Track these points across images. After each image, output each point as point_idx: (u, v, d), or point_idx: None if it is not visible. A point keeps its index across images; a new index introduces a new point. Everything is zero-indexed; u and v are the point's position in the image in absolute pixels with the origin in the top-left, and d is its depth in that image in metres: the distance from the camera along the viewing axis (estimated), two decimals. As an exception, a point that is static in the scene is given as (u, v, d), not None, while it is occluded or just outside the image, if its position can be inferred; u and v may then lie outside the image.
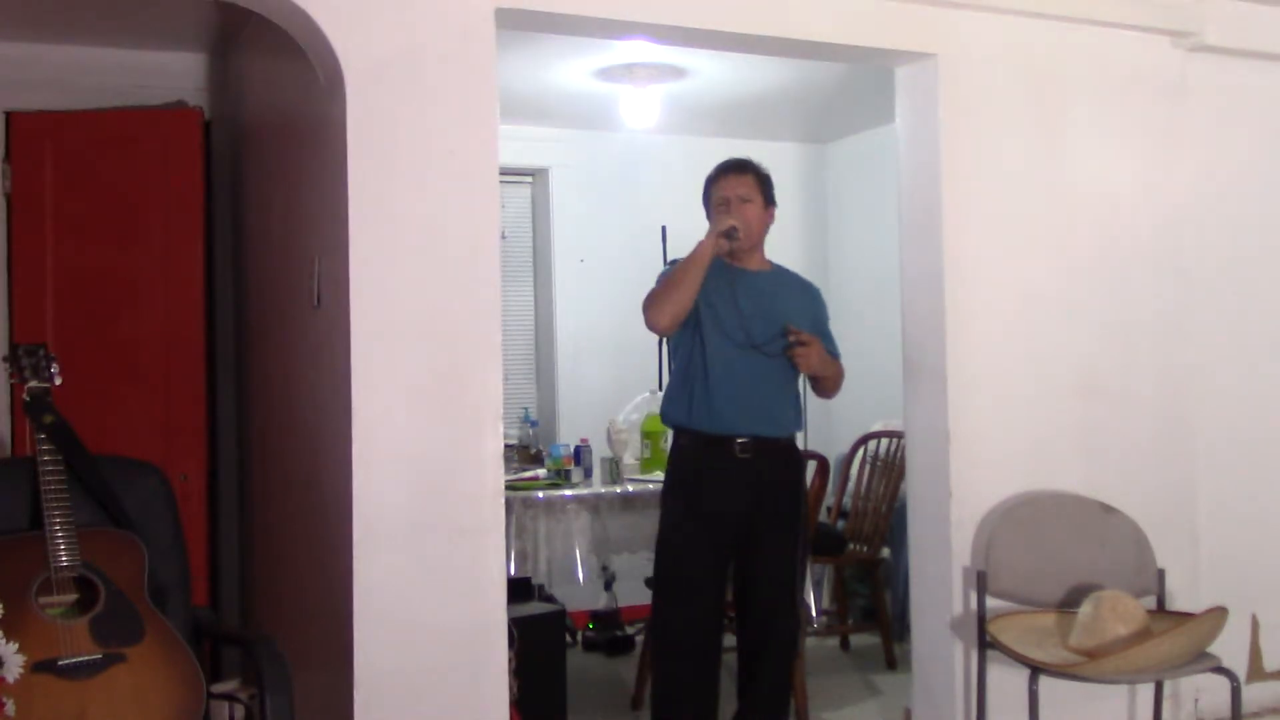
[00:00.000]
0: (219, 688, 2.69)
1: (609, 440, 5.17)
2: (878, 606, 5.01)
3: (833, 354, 3.60)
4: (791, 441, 3.55)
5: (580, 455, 5.28)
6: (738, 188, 3.49)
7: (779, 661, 3.51)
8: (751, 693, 3.52)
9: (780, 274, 3.63)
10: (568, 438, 5.61)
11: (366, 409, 2.94)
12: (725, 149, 6.32)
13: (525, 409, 5.78)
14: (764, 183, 3.53)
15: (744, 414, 3.42)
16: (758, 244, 3.54)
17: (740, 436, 3.41)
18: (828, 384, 3.60)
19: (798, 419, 3.58)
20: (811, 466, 4.35)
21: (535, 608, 4.01)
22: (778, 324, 3.46)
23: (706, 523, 3.43)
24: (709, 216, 3.52)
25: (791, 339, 3.42)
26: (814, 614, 5.25)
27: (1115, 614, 3.17)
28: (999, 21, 3.69)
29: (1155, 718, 3.64)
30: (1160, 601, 3.55)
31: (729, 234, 3.40)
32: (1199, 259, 4.01)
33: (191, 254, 4.25)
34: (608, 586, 5.50)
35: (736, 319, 3.42)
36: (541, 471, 5.15)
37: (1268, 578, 4.09)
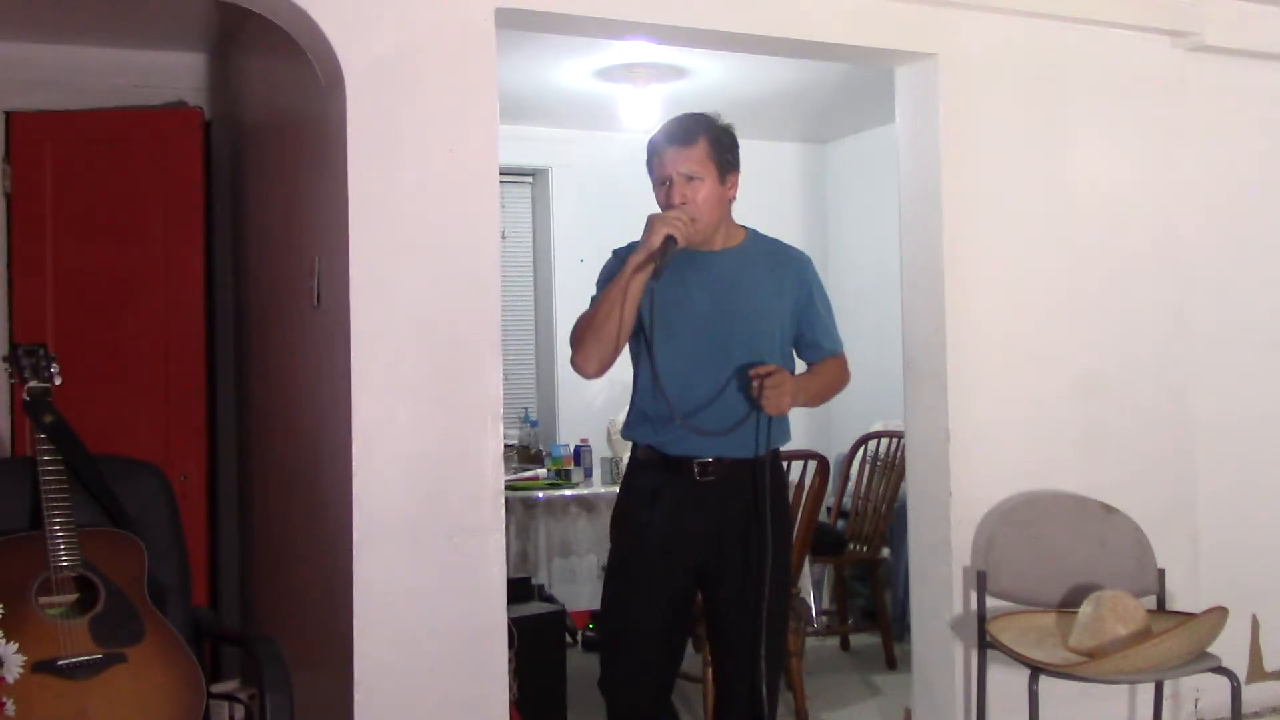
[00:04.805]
0: (219, 688, 2.69)
1: (609, 440, 5.18)
2: (878, 606, 5.01)
3: (829, 350, 2.86)
4: (769, 458, 2.80)
5: (580, 455, 5.30)
6: (681, 163, 2.69)
7: None
8: None
9: (753, 247, 2.85)
10: (568, 438, 5.62)
11: (366, 409, 2.94)
12: (725, 149, 6.42)
13: (525, 409, 5.79)
14: (720, 149, 2.72)
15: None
16: (715, 226, 2.77)
17: (700, 457, 2.74)
18: (818, 401, 2.87)
19: (783, 427, 2.83)
20: (812, 466, 4.34)
21: (535, 608, 4.01)
22: (747, 322, 2.77)
23: (661, 558, 2.78)
24: (654, 186, 2.78)
25: (754, 382, 2.65)
26: (814, 614, 5.24)
27: (1115, 614, 3.17)
28: (999, 21, 3.69)
29: (1155, 718, 3.63)
30: (1160, 601, 3.54)
31: (665, 249, 2.63)
32: (1199, 258, 4.01)
33: (191, 254, 4.25)
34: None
35: (688, 328, 2.71)
36: (541, 471, 5.16)
37: (1268, 578, 4.09)
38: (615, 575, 2.89)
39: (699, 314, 2.74)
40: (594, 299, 2.80)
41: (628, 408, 2.89)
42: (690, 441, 2.73)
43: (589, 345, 2.71)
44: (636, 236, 2.73)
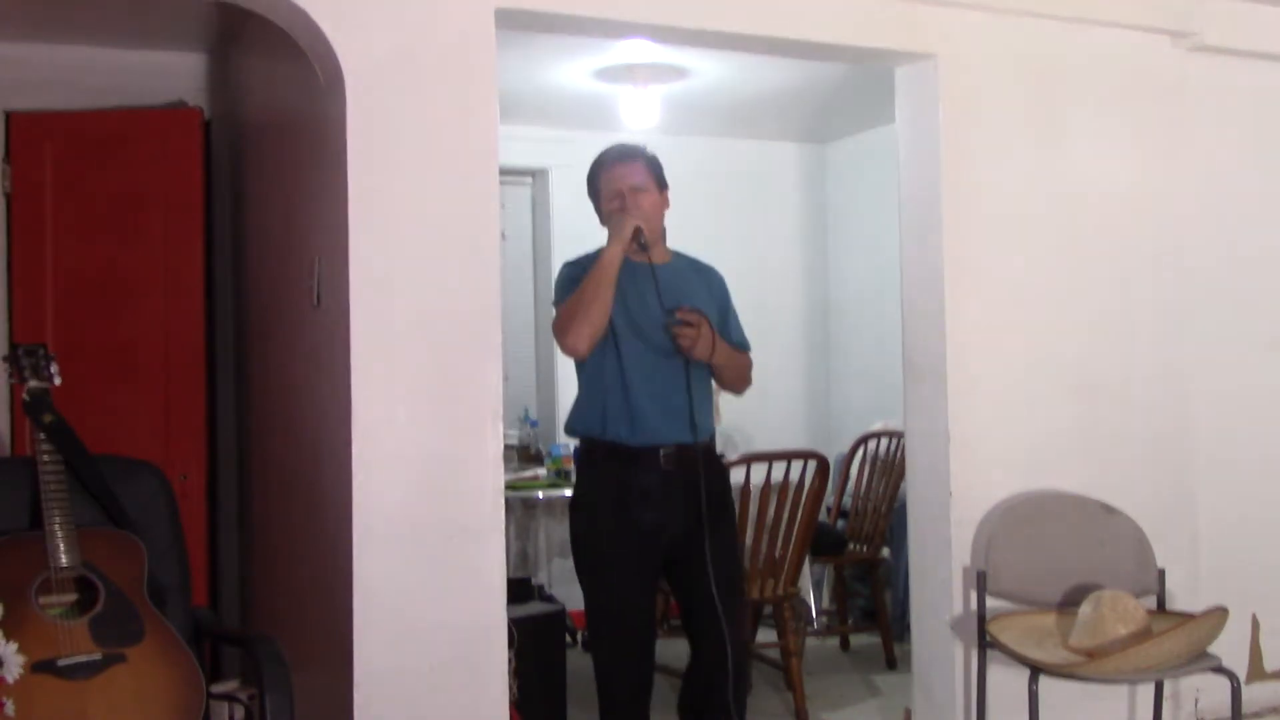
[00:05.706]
0: (219, 688, 2.69)
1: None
2: (878, 606, 5.01)
3: (740, 345, 3.30)
4: (711, 445, 3.27)
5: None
6: (630, 177, 3.18)
7: (739, 674, 3.16)
8: (717, 705, 3.15)
9: (681, 262, 3.31)
10: (568, 437, 5.61)
11: (366, 409, 2.94)
12: (725, 149, 6.43)
13: (525, 409, 5.79)
14: (654, 167, 3.23)
15: (666, 421, 3.12)
16: (659, 232, 3.23)
17: (664, 446, 3.11)
18: (729, 375, 3.26)
19: (707, 412, 3.27)
20: (812, 466, 4.35)
21: (535, 608, 4.01)
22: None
23: (638, 549, 3.12)
24: (597, 211, 3.24)
25: (679, 319, 3.09)
26: (814, 614, 5.25)
27: (1115, 614, 3.17)
28: (999, 21, 3.69)
29: (1155, 718, 3.63)
30: (1160, 601, 3.54)
31: (636, 237, 3.08)
32: (1199, 258, 4.00)
33: (191, 254, 4.25)
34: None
35: (659, 322, 3.10)
36: (541, 471, 5.16)
37: (1268, 578, 4.09)
38: (599, 575, 3.16)
39: (656, 317, 3.11)
40: (558, 304, 3.15)
41: (574, 406, 3.23)
42: (648, 432, 3.09)
43: (580, 324, 3.04)
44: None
